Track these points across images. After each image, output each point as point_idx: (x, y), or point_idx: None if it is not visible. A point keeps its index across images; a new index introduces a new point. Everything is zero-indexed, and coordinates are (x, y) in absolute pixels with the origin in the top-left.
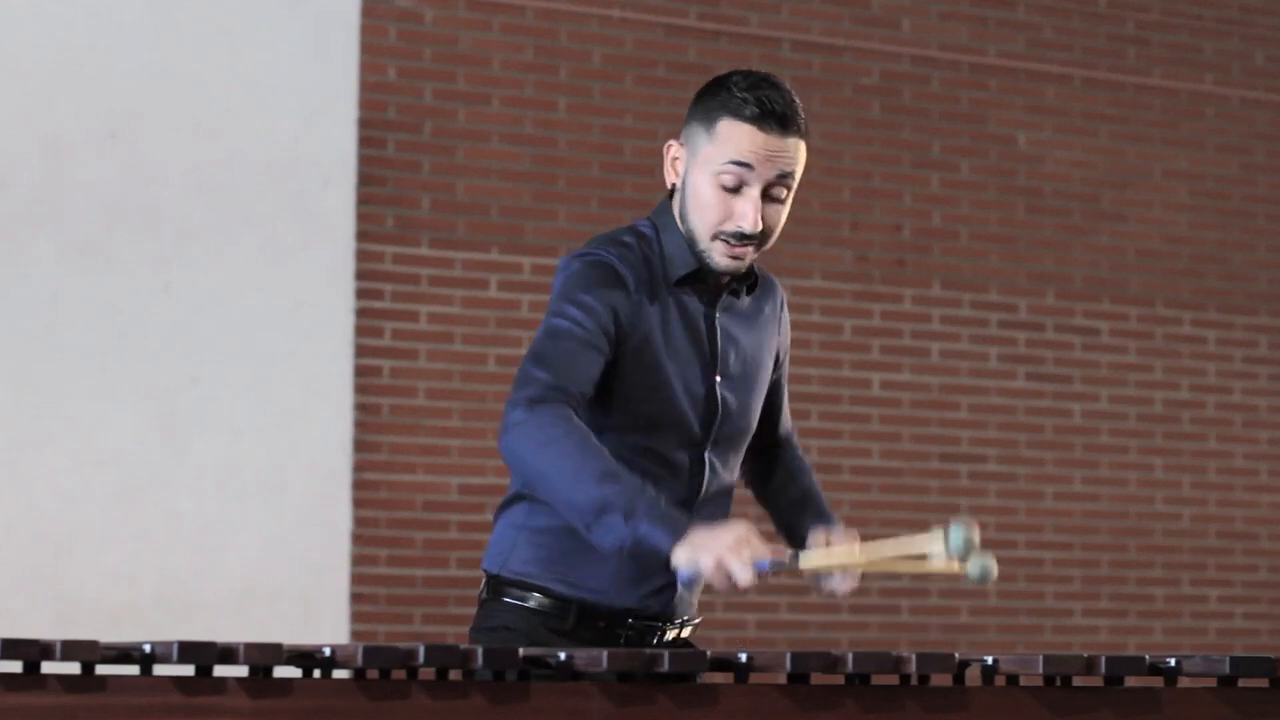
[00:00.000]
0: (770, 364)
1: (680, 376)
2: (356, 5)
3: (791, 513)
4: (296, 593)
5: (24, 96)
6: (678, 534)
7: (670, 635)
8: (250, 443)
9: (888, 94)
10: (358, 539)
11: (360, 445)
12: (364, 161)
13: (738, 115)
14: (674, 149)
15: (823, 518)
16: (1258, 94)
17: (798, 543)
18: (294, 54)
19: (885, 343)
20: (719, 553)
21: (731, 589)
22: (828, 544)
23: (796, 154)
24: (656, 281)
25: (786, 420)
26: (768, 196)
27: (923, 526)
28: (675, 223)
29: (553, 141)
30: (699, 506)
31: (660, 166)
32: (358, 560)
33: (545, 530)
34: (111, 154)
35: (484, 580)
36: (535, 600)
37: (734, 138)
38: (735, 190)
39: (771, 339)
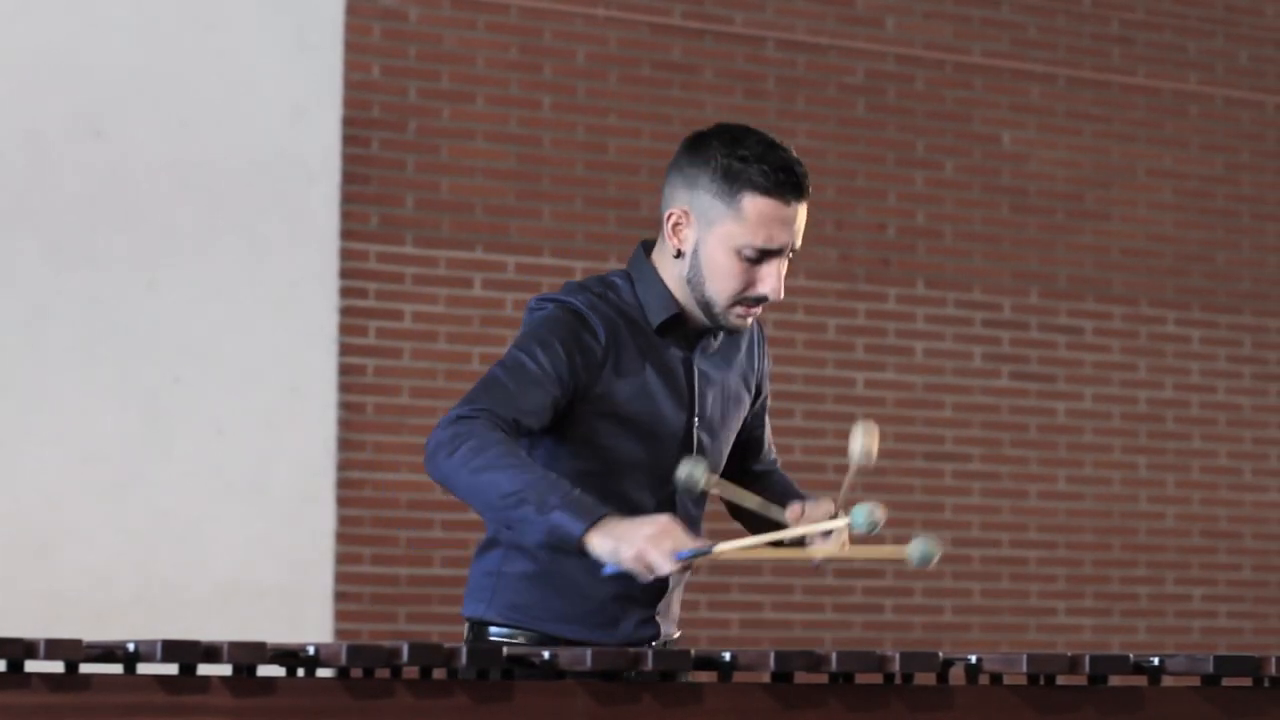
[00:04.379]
0: (747, 399)
1: (658, 423)
2: (340, 3)
3: (772, 495)
4: (280, 591)
5: (7, 94)
6: (593, 522)
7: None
8: (234, 441)
9: (872, 93)
10: (342, 538)
11: (344, 444)
12: (348, 160)
13: (761, 190)
14: (676, 215)
15: (799, 496)
16: (1242, 93)
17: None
18: (278, 52)
19: (869, 342)
20: (639, 544)
21: (653, 578)
22: (802, 513)
23: (803, 215)
24: (633, 330)
25: (771, 449)
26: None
27: (907, 525)
28: (654, 275)
29: (537, 140)
30: None
31: (646, 167)
32: (342, 559)
33: (523, 576)
34: (95, 152)
35: (467, 626)
36: (526, 639)
37: (763, 215)
38: (757, 260)
39: (749, 374)
